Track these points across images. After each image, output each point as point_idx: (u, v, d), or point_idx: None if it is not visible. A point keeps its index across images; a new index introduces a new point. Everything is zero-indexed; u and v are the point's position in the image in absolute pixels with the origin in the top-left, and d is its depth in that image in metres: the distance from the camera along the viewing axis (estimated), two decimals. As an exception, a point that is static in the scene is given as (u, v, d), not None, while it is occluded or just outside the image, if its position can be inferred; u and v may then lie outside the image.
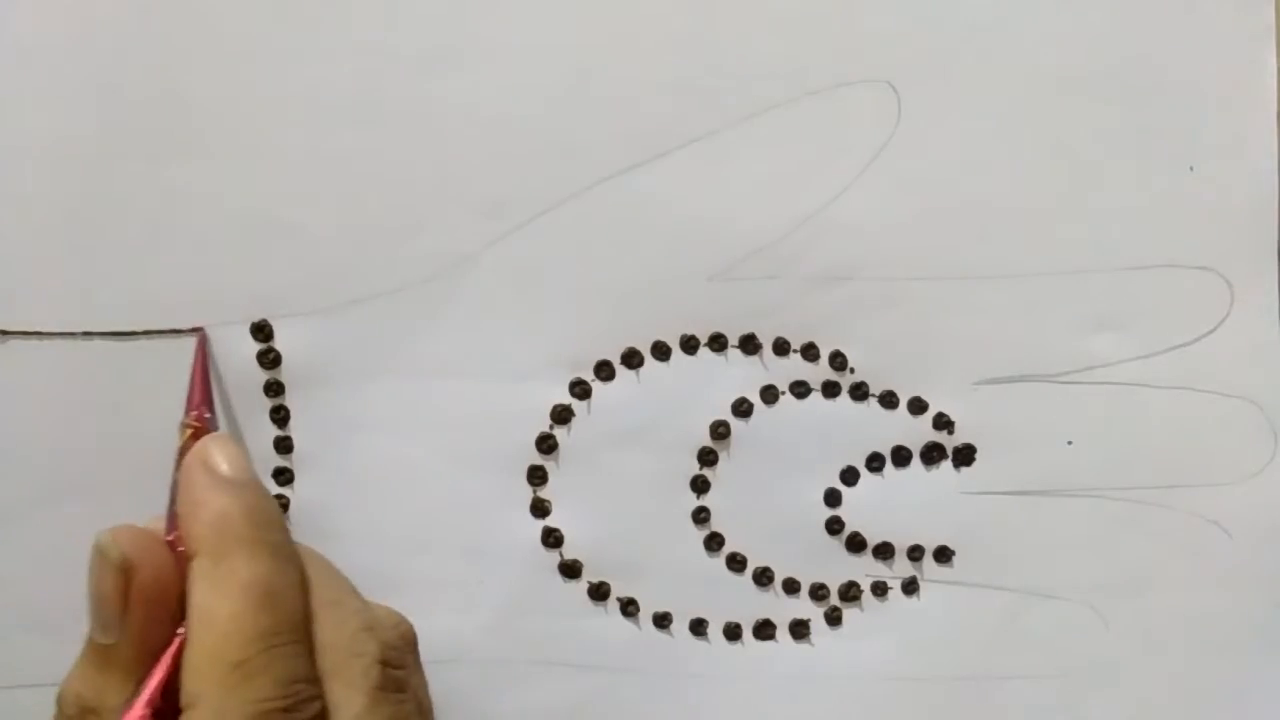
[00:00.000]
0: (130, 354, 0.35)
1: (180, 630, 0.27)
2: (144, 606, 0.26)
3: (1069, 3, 0.36)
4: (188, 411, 0.32)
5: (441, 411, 0.36)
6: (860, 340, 0.37)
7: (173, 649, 0.26)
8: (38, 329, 0.35)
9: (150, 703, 0.26)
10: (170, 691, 0.26)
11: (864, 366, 0.37)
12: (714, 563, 0.37)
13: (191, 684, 0.25)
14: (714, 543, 0.37)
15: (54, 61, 0.35)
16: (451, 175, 0.36)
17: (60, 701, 0.27)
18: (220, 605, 0.25)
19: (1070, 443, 0.37)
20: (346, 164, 0.35)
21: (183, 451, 0.30)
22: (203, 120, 0.35)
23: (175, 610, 0.27)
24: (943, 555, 0.37)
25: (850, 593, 0.37)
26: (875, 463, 0.37)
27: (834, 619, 0.37)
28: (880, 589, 0.37)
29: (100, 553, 0.26)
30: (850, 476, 0.37)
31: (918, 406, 0.37)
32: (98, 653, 0.26)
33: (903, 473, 0.37)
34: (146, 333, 0.35)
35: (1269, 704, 0.37)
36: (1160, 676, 0.37)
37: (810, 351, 0.37)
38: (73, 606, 0.35)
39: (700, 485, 0.37)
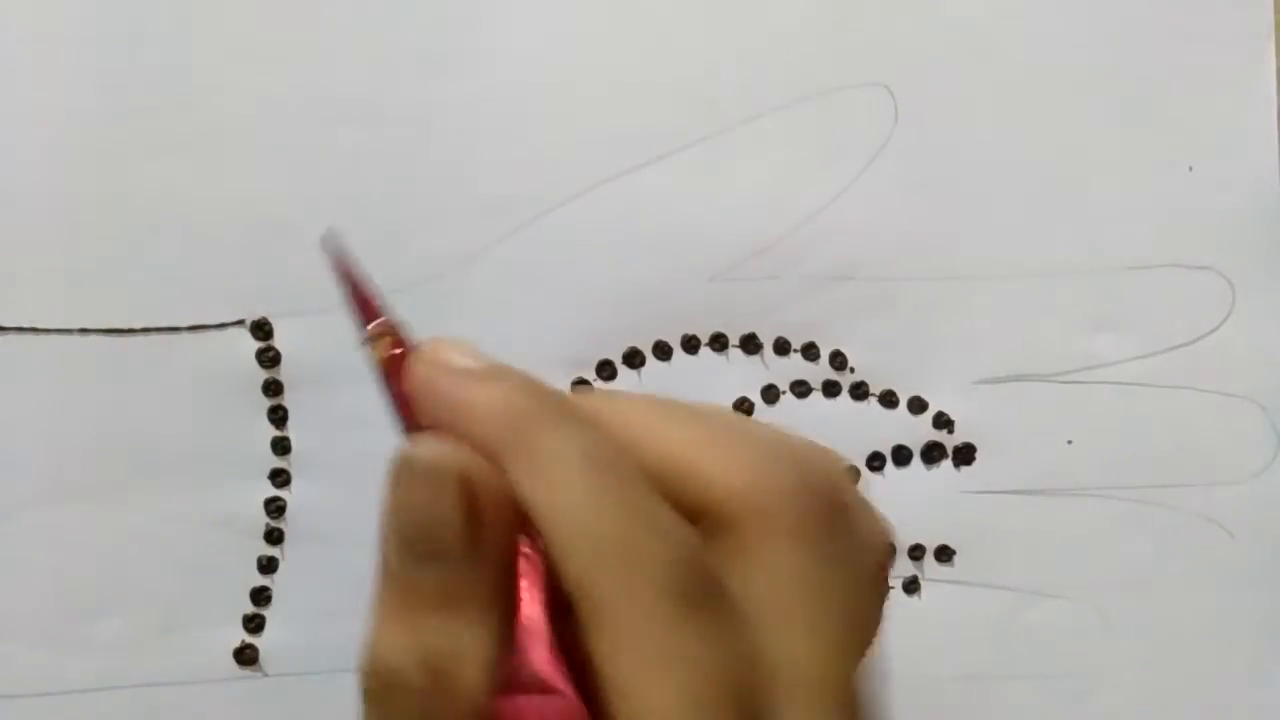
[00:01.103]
0: (127, 351, 0.35)
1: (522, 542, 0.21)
2: (495, 517, 0.20)
3: (1067, 5, 0.36)
4: (365, 324, 0.25)
5: (442, 411, 0.36)
6: (860, 340, 0.37)
7: (527, 551, 0.21)
8: (34, 325, 0.35)
9: (549, 611, 0.20)
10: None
11: (864, 366, 0.37)
12: (715, 562, 0.37)
13: (576, 573, 0.19)
14: (715, 542, 0.37)
15: (54, 60, 0.34)
16: (454, 176, 0.36)
17: (393, 675, 0.21)
18: (568, 491, 0.20)
19: (1070, 442, 0.37)
20: (348, 163, 0.35)
21: (388, 365, 0.24)
22: (203, 119, 0.35)
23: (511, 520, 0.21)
24: (943, 554, 0.37)
25: (851, 592, 0.37)
26: (875, 462, 0.37)
27: (835, 619, 0.37)
28: (881, 589, 0.37)
29: (430, 469, 0.20)
30: (850, 476, 0.37)
31: (918, 406, 0.37)
32: (435, 596, 0.21)
33: (903, 472, 0.37)
34: (144, 330, 0.35)
35: (1271, 702, 0.38)
36: (1161, 675, 0.38)
37: (810, 351, 0.37)
38: (66, 610, 0.35)
39: (701, 485, 0.37)
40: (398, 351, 0.24)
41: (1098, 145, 0.37)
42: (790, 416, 0.37)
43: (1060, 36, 0.36)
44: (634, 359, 0.36)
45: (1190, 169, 0.37)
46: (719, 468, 0.21)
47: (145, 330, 0.35)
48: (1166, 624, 0.37)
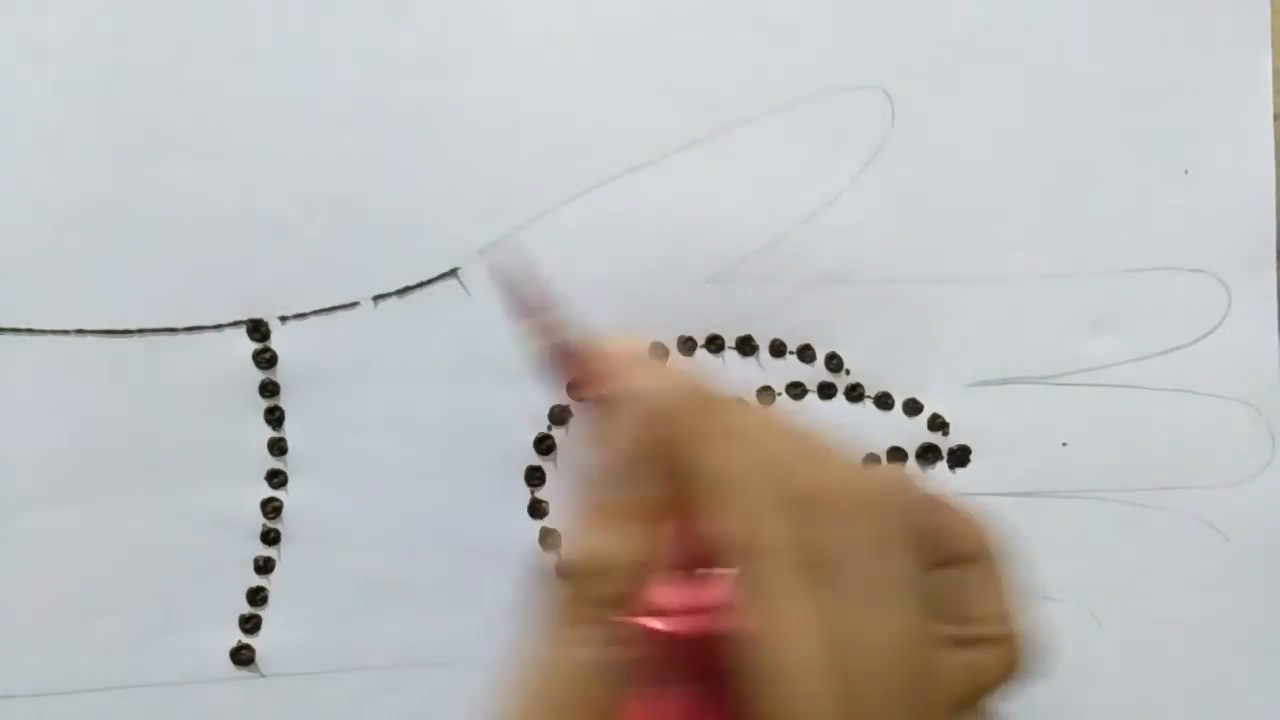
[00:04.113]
0: (124, 352, 0.35)
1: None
2: (665, 453, 0.25)
3: (1063, 8, 0.36)
4: (528, 319, 0.29)
5: (439, 412, 0.36)
6: (856, 342, 0.37)
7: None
8: (30, 326, 0.35)
9: (689, 538, 0.24)
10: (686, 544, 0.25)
11: (860, 368, 0.37)
12: (711, 564, 0.37)
13: (739, 530, 0.24)
14: (711, 544, 0.37)
15: (54, 60, 0.34)
16: (452, 177, 0.35)
17: (571, 571, 0.25)
18: (741, 461, 0.25)
19: (1065, 444, 0.37)
20: (346, 165, 0.35)
21: (553, 353, 0.28)
22: (202, 120, 0.35)
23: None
24: (938, 556, 0.37)
25: (846, 594, 0.37)
26: (871, 463, 0.37)
27: (830, 620, 0.37)
28: (876, 590, 0.37)
29: (626, 404, 0.25)
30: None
31: (913, 408, 0.37)
32: (610, 512, 0.25)
33: (898, 474, 0.37)
34: (141, 331, 0.35)
35: (1263, 705, 0.38)
36: (1154, 677, 0.38)
37: (806, 353, 0.37)
38: (62, 611, 0.35)
39: (697, 486, 0.37)
40: (559, 343, 0.28)
41: (1094, 148, 0.37)
42: (786, 418, 0.37)
43: (1057, 40, 0.36)
44: (630, 360, 0.36)
45: (1186, 172, 0.37)
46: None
47: (142, 331, 0.35)
48: (1160, 626, 0.37)
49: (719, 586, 0.24)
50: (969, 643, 0.30)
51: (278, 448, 0.36)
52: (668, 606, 0.24)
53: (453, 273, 0.35)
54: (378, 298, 0.36)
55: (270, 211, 0.35)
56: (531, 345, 0.29)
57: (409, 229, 0.35)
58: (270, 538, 0.36)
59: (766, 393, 0.37)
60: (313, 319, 0.35)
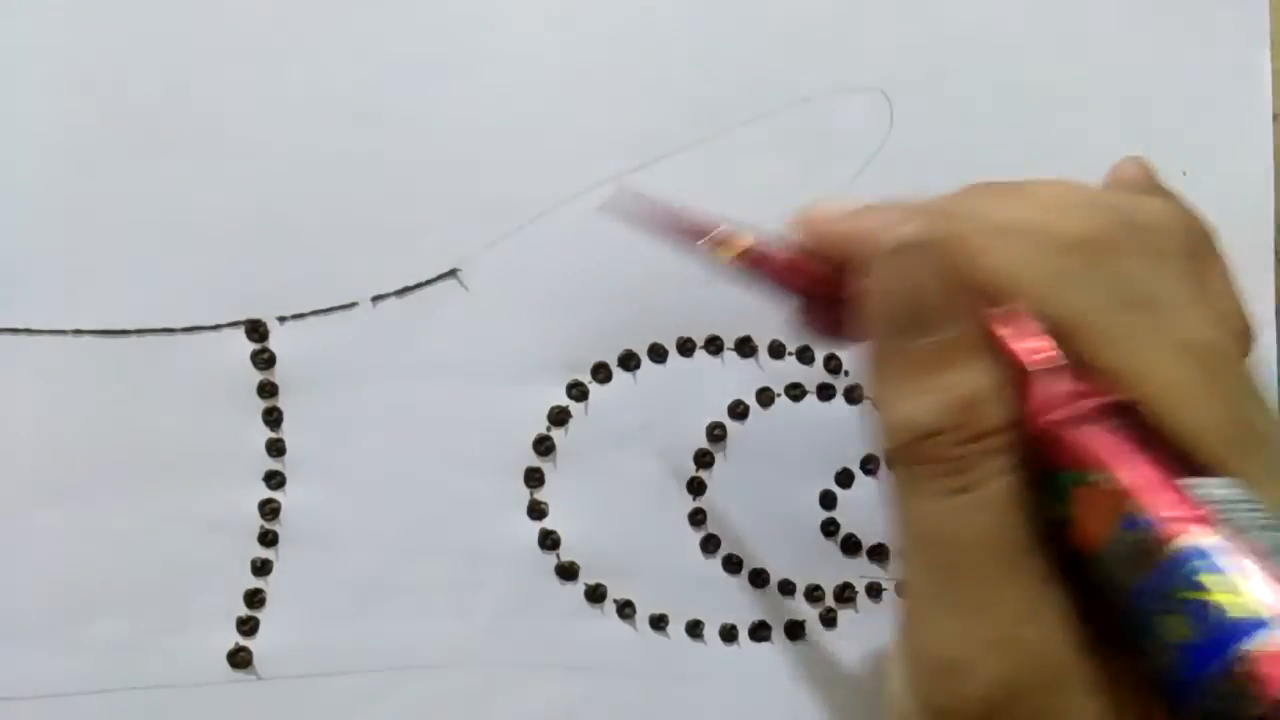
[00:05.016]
0: (121, 352, 0.35)
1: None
2: (944, 283, 0.24)
3: (1063, 8, 0.36)
4: (700, 240, 0.30)
5: (438, 413, 0.36)
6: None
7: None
8: (28, 326, 0.34)
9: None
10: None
11: (859, 369, 0.37)
12: (710, 564, 0.37)
13: (1057, 303, 0.24)
14: (710, 544, 0.37)
15: (53, 58, 0.34)
16: (450, 177, 0.35)
17: (923, 427, 0.23)
18: (1006, 254, 0.25)
19: (1065, 444, 0.37)
20: (345, 164, 0.35)
21: (744, 257, 0.29)
22: (201, 119, 0.35)
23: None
24: (938, 557, 0.37)
25: (845, 594, 0.37)
26: (870, 464, 0.37)
27: (829, 620, 0.37)
28: (875, 590, 0.37)
29: (904, 247, 0.24)
30: (845, 479, 0.37)
31: (912, 409, 0.37)
32: (936, 356, 0.24)
33: (898, 475, 0.37)
34: (139, 331, 0.35)
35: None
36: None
37: (805, 354, 0.37)
38: (57, 612, 0.35)
39: (696, 487, 0.37)
40: (741, 244, 0.29)
41: (1093, 150, 0.36)
42: (785, 419, 0.37)
43: (1056, 41, 0.36)
44: (629, 361, 0.36)
45: (1185, 173, 0.37)
46: None
47: (140, 331, 0.35)
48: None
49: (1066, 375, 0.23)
50: None
51: (276, 449, 0.36)
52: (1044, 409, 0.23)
53: (452, 273, 0.35)
54: (376, 298, 0.35)
55: (269, 211, 0.35)
56: (726, 265, 0.29)
57: (409, 229, 0.35)
58: (268, 539, 0.36)
59: (766, 393, 0.37)
60: (311, 319, 0.35)
